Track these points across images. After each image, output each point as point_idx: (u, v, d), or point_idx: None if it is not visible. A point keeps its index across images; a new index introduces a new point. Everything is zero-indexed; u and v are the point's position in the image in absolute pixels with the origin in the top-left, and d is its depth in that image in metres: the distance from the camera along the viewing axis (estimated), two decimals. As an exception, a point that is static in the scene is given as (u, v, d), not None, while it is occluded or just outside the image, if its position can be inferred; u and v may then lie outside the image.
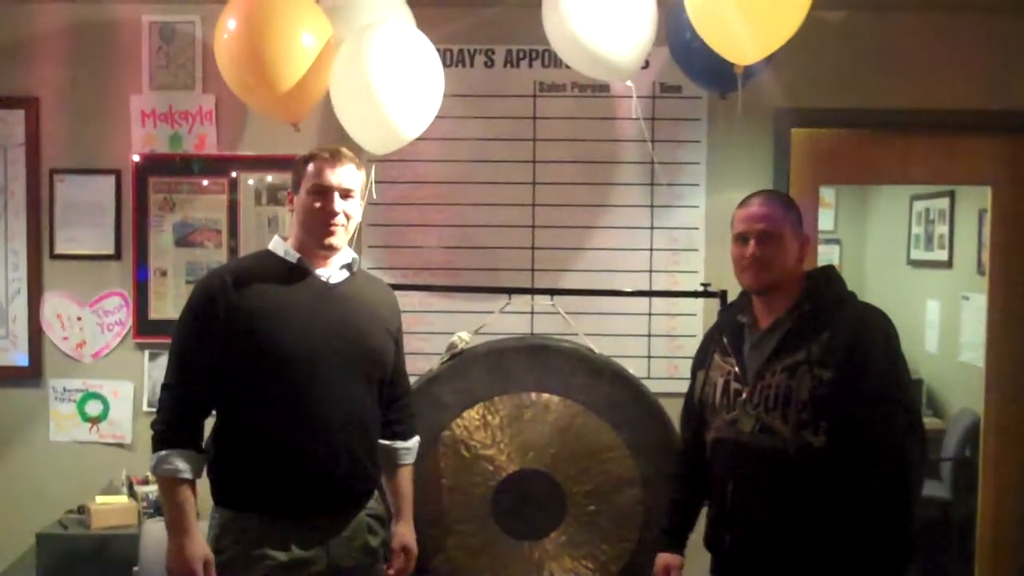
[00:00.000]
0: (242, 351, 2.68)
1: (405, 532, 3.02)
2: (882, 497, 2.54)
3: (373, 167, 3.67)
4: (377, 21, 3.33)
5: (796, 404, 2.60)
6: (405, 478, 3.06)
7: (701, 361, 2.94)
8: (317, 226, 2.76)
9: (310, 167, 2.78)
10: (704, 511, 2.92)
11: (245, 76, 3.35)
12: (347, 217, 2.78)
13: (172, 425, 2.70)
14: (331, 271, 2.83)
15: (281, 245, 2.82)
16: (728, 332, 2.85)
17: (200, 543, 2.67)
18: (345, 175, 2.78)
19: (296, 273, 2.78)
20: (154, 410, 2.75)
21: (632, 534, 3.33)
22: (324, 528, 2.75)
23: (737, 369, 2.75)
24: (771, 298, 2.74)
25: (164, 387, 2.73)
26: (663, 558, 2.96)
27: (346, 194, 2.78)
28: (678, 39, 3.61)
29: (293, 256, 2.78)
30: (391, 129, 3.33)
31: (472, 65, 4.15)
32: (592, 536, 3.35)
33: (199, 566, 2.64)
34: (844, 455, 2.56)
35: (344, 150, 2.82)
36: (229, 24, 3.30)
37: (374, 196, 3.67)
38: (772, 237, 2.70)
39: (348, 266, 2.86)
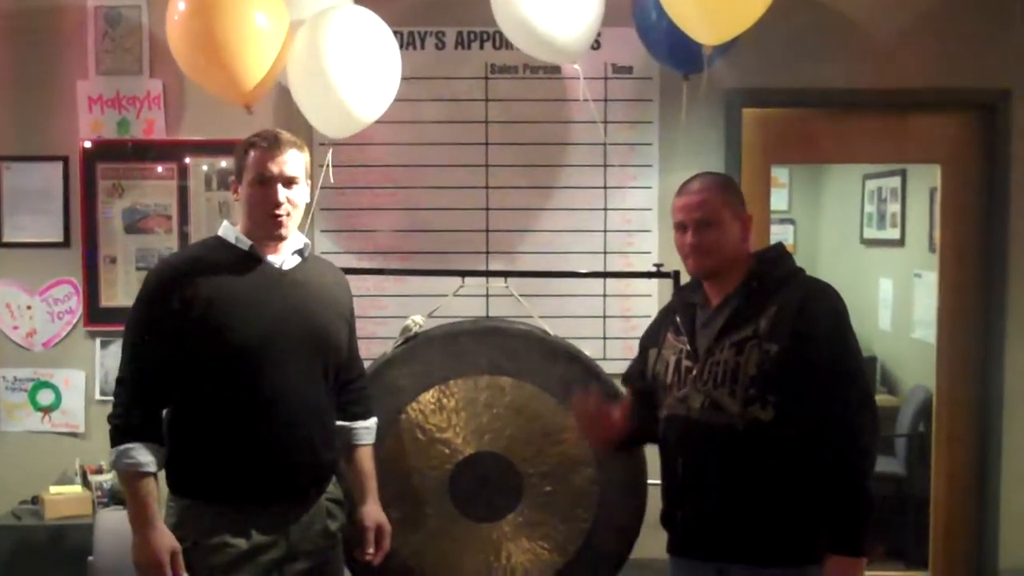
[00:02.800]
0: (197, 341, 2.64)
1: (374, 510, 3.00)
2: (836, 472, 2.56)
3: (330, 152, 3.65)
4: (333, 6, 3.31)
5: (744, 379, 2.61)
6: (366, 458, 3.04)
7: (653, 340, 2.94)
8: (263, 217, 2.70)
9: (251, 155, 2.70)
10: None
11: (196, 57, 3.32)
12: (292, 205, 2.72)
13: (129, 418, 2.65)
14: (283, 257, 2.79)
15: (232, 231, 2.77)
16: (681, 312, 2.86)
17: (166, 534, 2.63)
18: (287, 162, 2.70)
19: (248, 260, 2.73)
20: (107, 399, 2.73)
21: (588, 514, 3.33)
22: (283, 514, 2.74)
23: (688, 347, 2.77)
24: (720, 278, 2.75)
25: (119, 381, 2.69)
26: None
27: (289, 182, 2.71)
28: (644, 19, 3.61)
29: (245, 243, 2.74)
30: (348, 114, 3.32)
31: (423, 47, 4.12)
32: (549, 516, 3.35)
33: (166, 557, 2.60)
34: (793, 429, 2.58)
35: (284, 134, 2.75)
36: (180, 3, 3.27)
37: (331, 180, 3.64)
38: (710, 224, 2.70)
39: (300, 251, 2.82)
